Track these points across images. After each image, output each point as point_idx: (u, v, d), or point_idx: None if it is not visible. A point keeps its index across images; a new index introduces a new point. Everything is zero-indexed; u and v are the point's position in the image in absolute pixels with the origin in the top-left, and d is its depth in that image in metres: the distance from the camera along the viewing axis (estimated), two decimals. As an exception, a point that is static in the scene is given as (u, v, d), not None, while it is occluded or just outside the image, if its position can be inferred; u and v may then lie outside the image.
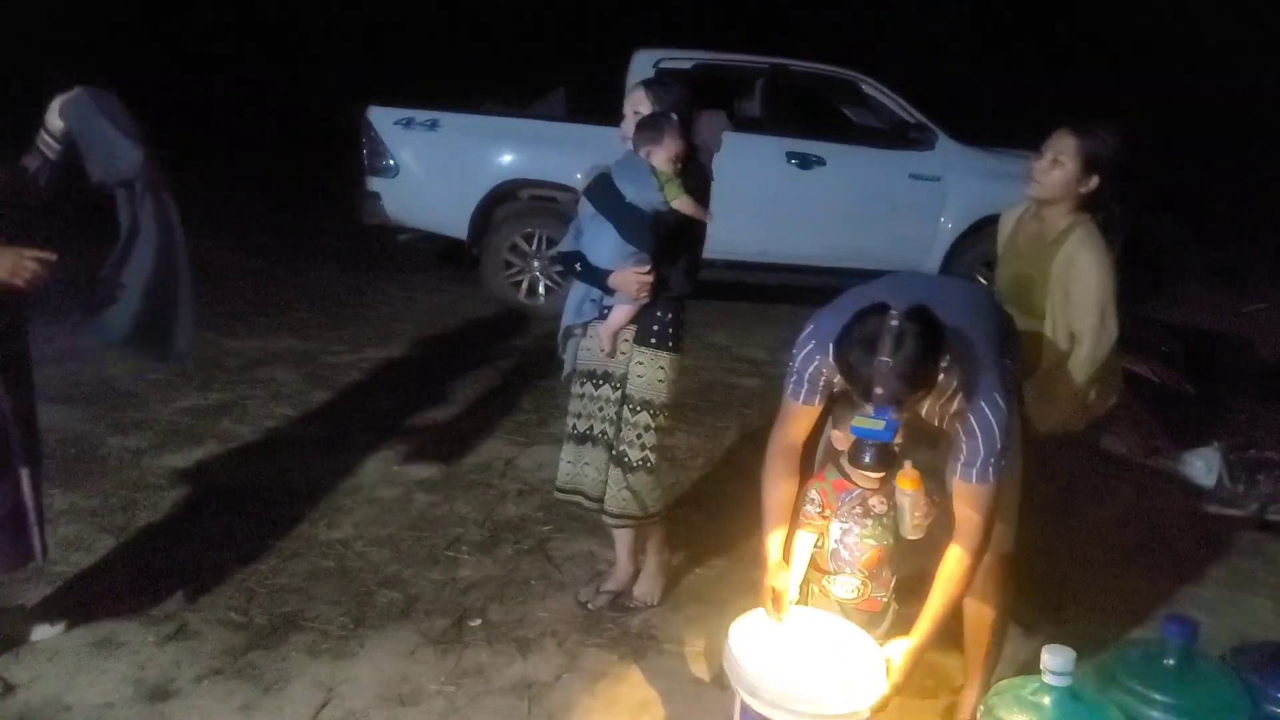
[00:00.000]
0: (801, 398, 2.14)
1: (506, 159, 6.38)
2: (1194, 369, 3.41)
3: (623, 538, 2.92)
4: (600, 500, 2.80)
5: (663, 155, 2.63)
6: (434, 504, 3.53)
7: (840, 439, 2.17)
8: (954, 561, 2.04)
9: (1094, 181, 2.50)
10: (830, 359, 1.97)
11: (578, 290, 2.80)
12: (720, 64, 6.77)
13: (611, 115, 6.83)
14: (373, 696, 2.42)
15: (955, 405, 1.99)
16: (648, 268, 2.63)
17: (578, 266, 2.74)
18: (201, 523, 3.27)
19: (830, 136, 6.61)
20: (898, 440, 1.90)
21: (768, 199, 6.29)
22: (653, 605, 2.92)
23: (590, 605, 2.90)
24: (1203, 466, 3.38)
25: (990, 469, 1.98)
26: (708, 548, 3.31)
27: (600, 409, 2.78)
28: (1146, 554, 3.46)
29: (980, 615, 2.37)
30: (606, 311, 2.73)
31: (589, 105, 7.09)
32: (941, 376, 1.90)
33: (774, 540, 2.16)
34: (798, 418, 2.17)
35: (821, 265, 6.47)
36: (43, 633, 2.51)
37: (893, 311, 1.82)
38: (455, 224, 6.43)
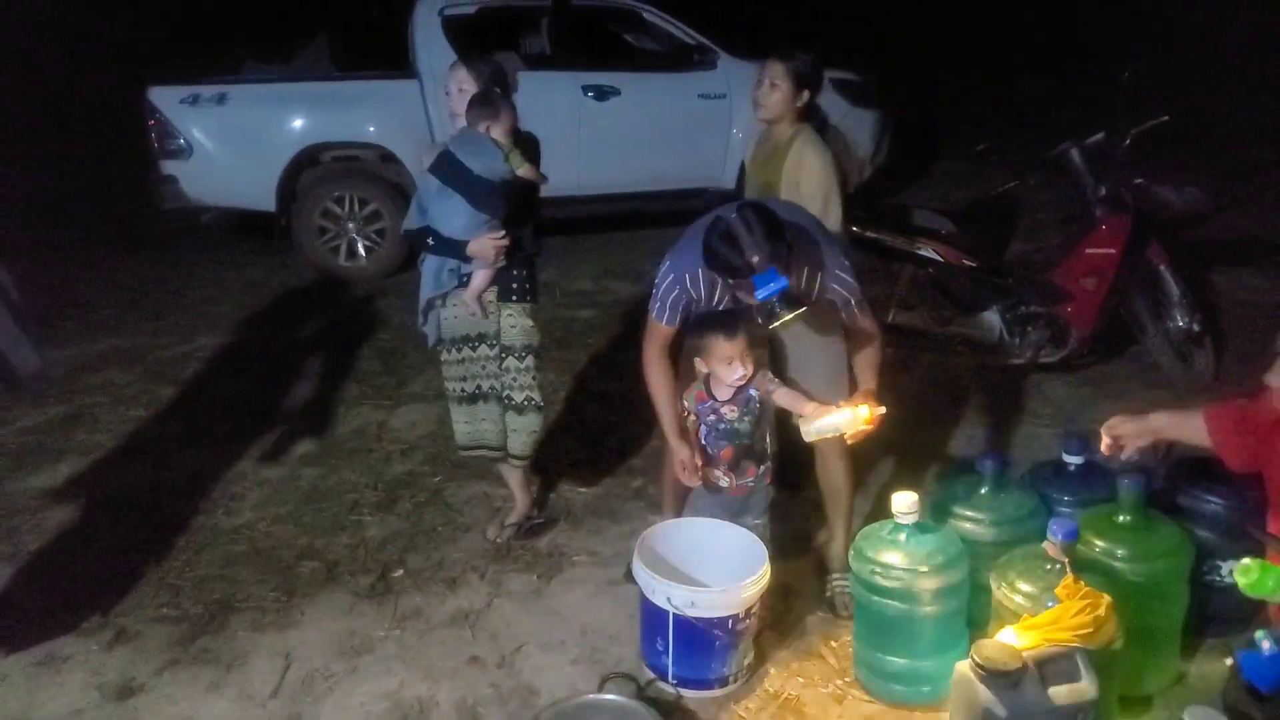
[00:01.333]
0: (665, 320, 2.54)
1: (304, 124, 6.24)
2: (967, 244, 4.01)
3: (516, 475, 3.19)
4: (502, 448, 3.07)
5: (500, 128, 2.85)
6: (322, 475, 3.66)
7: (700, 364, 2.56)
8: (874, 348, 2.65)
9: (805, 96, 2.99)
10: (697, 276, 2.42)
11: (432, 263, 2.97)
12: (504, 6, 6.85)
13: (388, 64, 6.81)
14: (329, 653, 2.62)
15: (818, 283, 2.43)
16: (501, 233, 2.86)
17: (430, 241, 2.92)
18: (95, 534, 3.27)
19: (621, 66, 6.86)
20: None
21: (570, 133, 6.48)
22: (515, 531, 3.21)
23: (498, 540, 3.18)
24: (986, 328, 4.03)
25: (864, 304, 2.55)
26: (589, 470, 3.65)
27: (483, 368, 3.02)
28: (951, 406, 4.11)
29: (836, 480, 2.85)
30: (466, 279, 2.93)
31: (357, 53, 7.01)
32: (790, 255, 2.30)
33: (670, 422, 2.61)
34: (663, 335, 2.58)
35: (629, 191, 6.79)
36: (-20, 664, 2.54)
37: (728, 213, 2.24)
38: (261, 197, 6.26)
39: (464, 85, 2.92)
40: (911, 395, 4.10)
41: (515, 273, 2.96)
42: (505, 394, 3.01)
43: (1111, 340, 4.31)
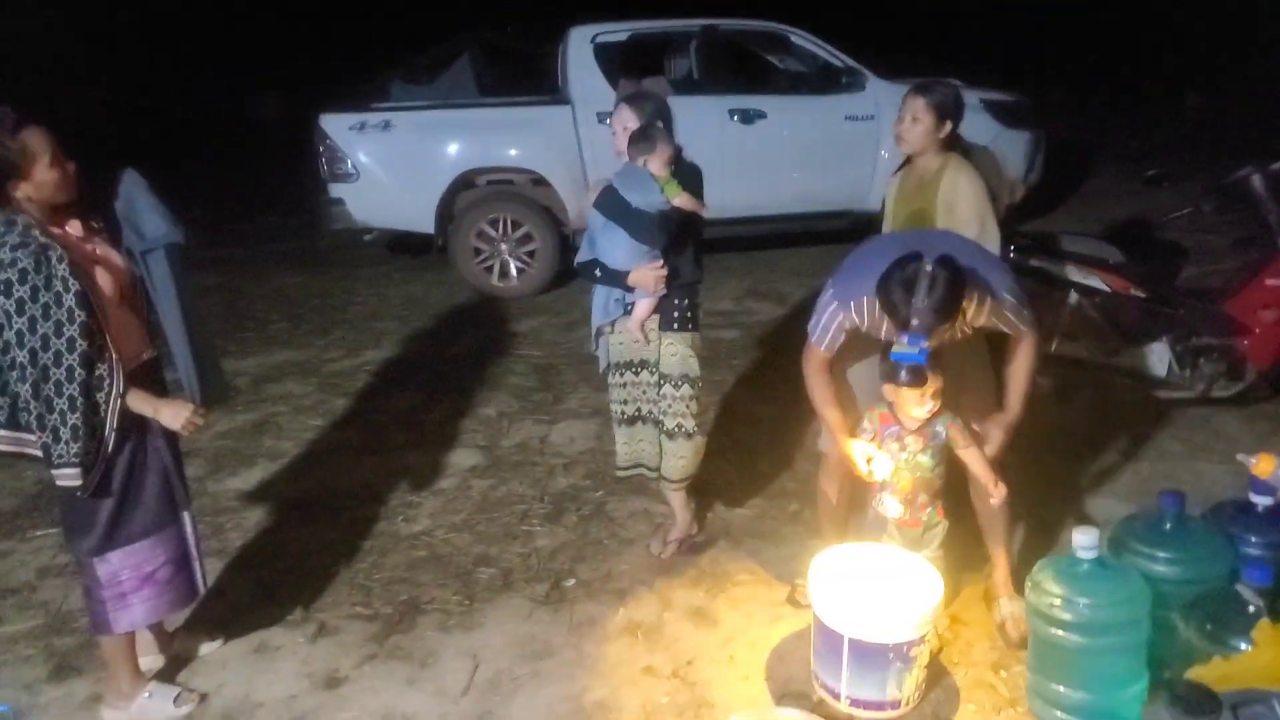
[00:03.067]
0: (824, 345, 2.59)
1: (462, 149, 6.58)
2: (1137, 274, 3.90)
3: (676, 495, 3.29)
4: (659, 469, 3.19)
5: (658, 161, 2.98)
6: (492, 487, 3.87)
7: (889, 390, 2.58)
8: (1027, 356, 2.61)
9: (948, 126, 3.04)
10: (862, 305, 2.46)
11: (600, 293, 3.13)
12: (654, 32, 7.05)
13: (530, 87, 7.06)
14: (513, 655, 2.78)
15: (983, 316, 2.46)
16: (660, 262, 2.98)
17: (597, 273, 3.08)
18: (289, 534, 3.56)
19: (767, 90, 6.97)
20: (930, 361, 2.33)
21: (717, 156, 6.57)
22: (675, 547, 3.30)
23: (662, 555, 3.29)
24: (1155, 359, 3.90)
25: (1031, 332, 2.58)
26: (743, 491, 3.72)
27: (643, 393, 3.15)
28: (1114, 439, 4.00)
29: (991, 507, 2.83)
30: (630, 307, 3.07)
31: (498, 76, 7.29)
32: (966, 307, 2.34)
33: (835, 421, 2.67)
34: (821, 359, 2.63)
35: (775, 213, 6.88)
36: (208, 648, 2.82)
37: (927, 261, 2.25)
38: (421, 219, 6.64)
39: (627, 124, 3.07)
40: (1073, 426, 4.01)
41: (676, 302, 3.07)
42: (660, 419, 3.12)
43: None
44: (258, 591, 3.18)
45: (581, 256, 3.16)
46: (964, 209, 2.99)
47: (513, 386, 4.93)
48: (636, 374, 3.15)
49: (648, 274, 2.98)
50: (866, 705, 2.47)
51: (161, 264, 2.43)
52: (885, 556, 2.64)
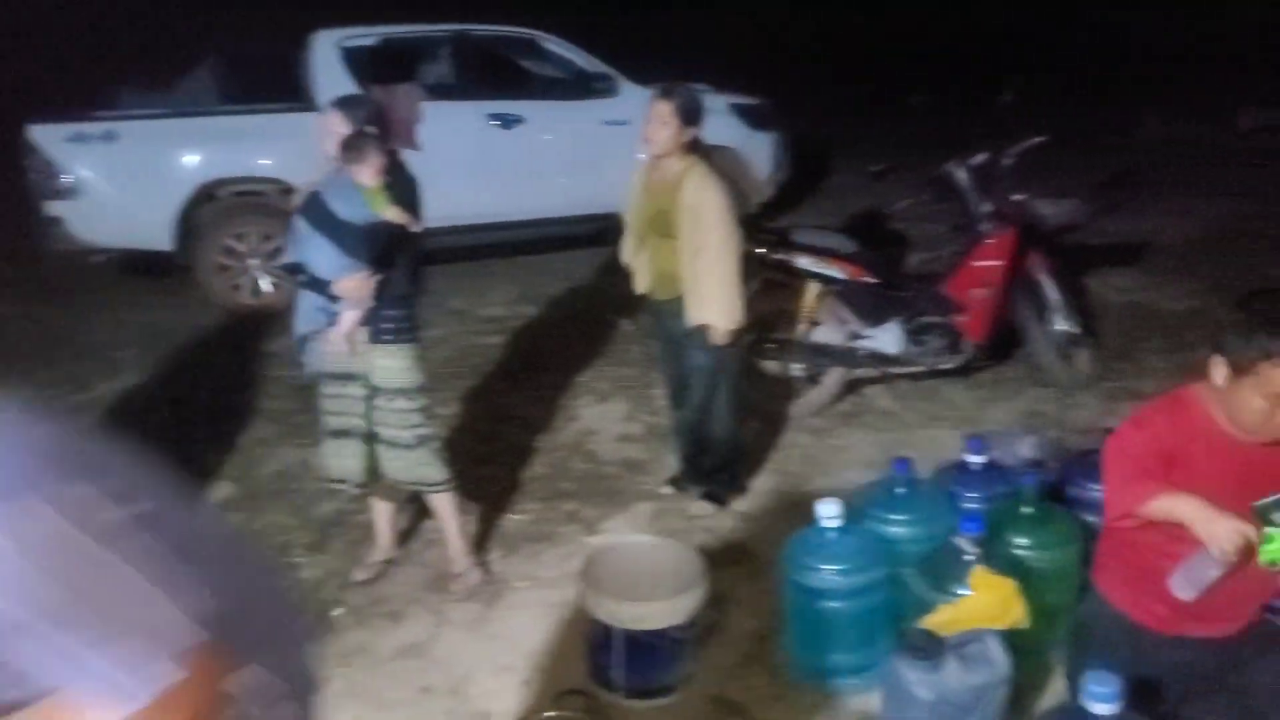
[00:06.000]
0: None
1: (202, 160, 6.13)
2: (868, 262, 4.24)
3: (443, 505, 3.17)
4: (365, 484, 3.09)
5: (367, 171, 2.84)
6: (247, 520, 3.63)
7: None
8: None
9: (691, 131, 3.18)
10: None
11: (307, 299, 2.97)
12: (405, 37, 6.88)
13: (278, 93, 6.71)
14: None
15: None
16: (366, 274, 2.86)
17: (302, 278, 2.95)
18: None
19: (525, 94, 6.97)
20: None
21: (477, 161, 6.55)
22: (476, 569, 3.19)
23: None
24: (889, 340, 4.26)
25: None
26: (518, 496, 3.72)
27: (351, 405, 3.01)
28: (859, 414, 4.33)
29: None
30: (335, 318, 2.93)
31: (244, 82, 6.90)
32: None
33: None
34: None
35: (540, 217, 6.89)
36: None
37: None
38: (156, 236, 6.11)
39: (337, 129, 2.89)
40: (822, 406, 4.31)
41: (387, 314, 2.94)
42: (390, 434, 3.00)
43: (1004, 345, 4.62)
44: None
45: (287, 257, 3.04)
46: (709, 216, 3.15)
47: (269, 410, 4.66)
48: (344, 385, 3.00)
49: (353, 286, 2.86)
50: (642, 694, 2.54)
51: None
52: (648, 547, 2.72)
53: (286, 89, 6.55)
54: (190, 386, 5.09)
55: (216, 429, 4.44)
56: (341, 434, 3.05)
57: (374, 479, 3.11)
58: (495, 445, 4.18)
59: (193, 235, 6.15)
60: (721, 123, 7.03)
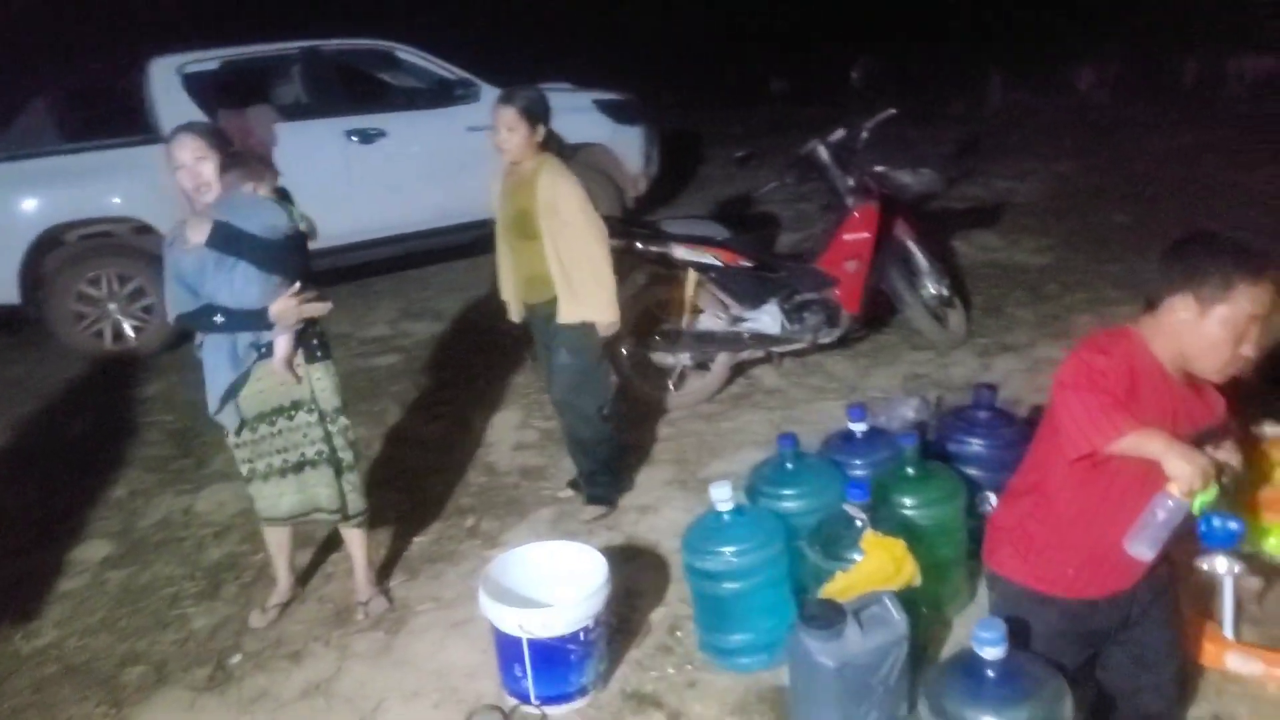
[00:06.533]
0: None
1: (42, 204, 5.77)
2: (741, 246, 4.31)
3: (356, 535, 3.08)
4: (339, 511, 2.97)
5: (266, 185, 2.81)
6: (132, 575, 3.45)
7: None
8: None
9: (540, 130, 3.17)
10: None
11: (220, 344, 2.79)
12: (250, 57, 6.63)
13: (118, 127, 6.36)
14: (177, 757, 2.51)
15: None
16: (298, 288, 2.79)
17: (218, 319, 2.75)
18: None
19: (384, 107, 6.81)
20: None
21: (342, 179, 6.38)
22: (380, 596, 3.11)
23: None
24: (769, 320, 4.34)
25: None
26: (417, 518, 3.64)
27: (305, 435, 2.89)
28: (749, 395, 4.41)
29: None
30: (266, 349, 2.80)
31: (84, 118, 6.55)
32: None
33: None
34: None
35: (413, 231, 6.75)
36: None
37: None
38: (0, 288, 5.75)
39: (200, 154, 2.79)
40: (715, 390, 4.36)
41: (309, 329, 2.90)
42: (333, 455, 2.92)
43: (879, 314, 4.76)
44: None
45: (182, 307, 2.80)
46: (567, 209, 3.15)
47: (146, 459, 4.43)
48: (291, 418, 2.88)
49: (291, 305, 2.75)
50: (557, 700, 2.52)
51: None
52: (548, 552, 2.70)
53: (128, 121, 6.24)
54: (56, 441, 4.80)
55: (89, 483, 4.20)
56: (302, 467, 2.90)
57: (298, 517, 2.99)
58: (391, 469, 4.09)
59: (41, 285, 5.80)
60: (587, 119, 7.06)
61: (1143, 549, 1.73)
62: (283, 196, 2.90)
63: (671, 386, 4.34)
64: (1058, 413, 1.79)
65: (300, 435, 2.89)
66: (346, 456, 2.96)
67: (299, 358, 2.87)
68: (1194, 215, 6.12)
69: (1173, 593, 2.04)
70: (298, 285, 2.80)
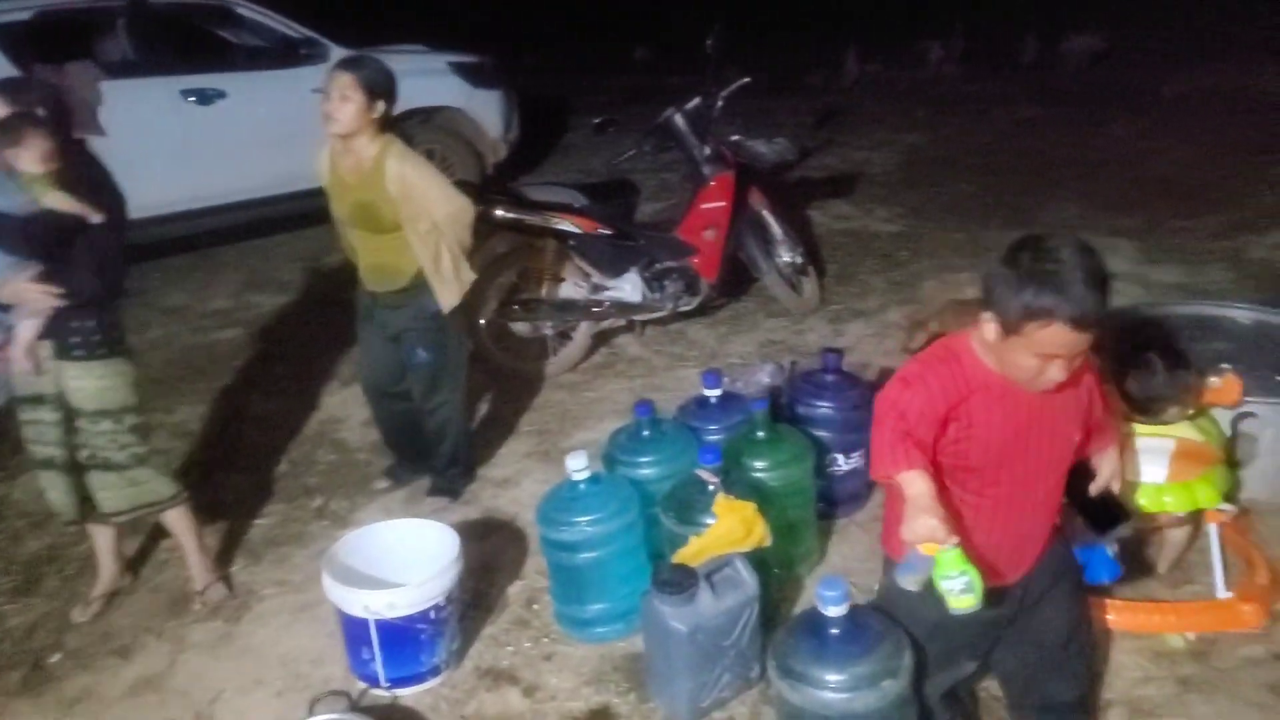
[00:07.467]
0: None
1: None
2: (600, 214, 4.26)
3: (178, 521, 2.88)
4: (77, 518, 2.79)
5: (30, 156, 2.47)
6: (-64, 575, 3.16)
7: None
8: None
9: (381, 106, 2.85)
10: None
11: None
12: (68, 8, 6.10)
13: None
14: (-15, 769, 2.30)
15: None
16: (35, 273, 2.52)
17: None
18: None
19: (224, 67, 6.40)
20: None
21: (175, 143, 5.96)
22: (219, 584, 2.94)
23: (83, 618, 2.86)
24: (630, 288, 4.32)
25: None
26: (260, 500, 3.47)
27: (44, 432, 2.68)
28: (610, 364, 4.39)
29: None
30: (12, 331, 2.58)
31: None
32: None
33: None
34: None
35: (254, 198, 6.38)
36: None
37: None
38: None
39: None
40: (571, 363, 4.32)
41: (76, 324, 2.58)
42: (101, 456, 2.68)
43: (737, 281, 4.81)
44: None
45: None
46: (426, 193, 2.90)
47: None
48: (35, 409, 2.66)
49: (25, 289, 2.50)
50: (409, 681, 2.44)
51: None
52: (398, 531, 2.61)
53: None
54: None
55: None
56: (49, 465, 2.69)
57: (89, 510, 2.78)
58: (232, 448, 3.88)
59: None
60: (442, 83, 6.83)
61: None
62: (81, 173, 2.55)
63: (549, 358, 4.26)
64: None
65: (40, 431, 2.69)
66: (119, 457, 2.70)
67: (46, 351, 2.61)
68: (1034, 184, 6.45)
69: (1074, 575, 2.05)
70: (39, 269, 2.52)
